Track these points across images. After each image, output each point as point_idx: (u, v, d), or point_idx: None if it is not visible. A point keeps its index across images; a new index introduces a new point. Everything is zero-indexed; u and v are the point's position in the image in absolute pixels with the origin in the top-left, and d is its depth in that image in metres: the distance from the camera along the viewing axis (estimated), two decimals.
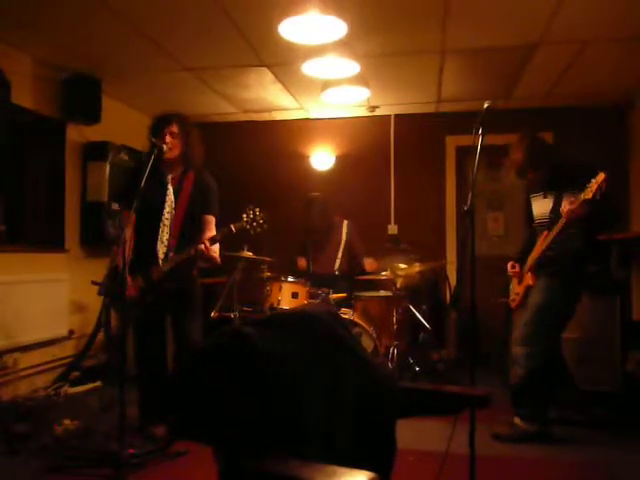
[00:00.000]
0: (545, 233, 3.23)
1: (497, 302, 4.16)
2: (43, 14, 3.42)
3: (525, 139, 3.31)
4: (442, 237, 5.60)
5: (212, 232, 3.14)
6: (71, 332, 4.40)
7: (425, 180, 5.66)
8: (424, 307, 4.71)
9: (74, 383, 4.18)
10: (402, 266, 4.31)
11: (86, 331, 4.44)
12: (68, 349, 4.45)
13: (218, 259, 3.17)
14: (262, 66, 4.34)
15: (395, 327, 4.22)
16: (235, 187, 4.95)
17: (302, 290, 4.31)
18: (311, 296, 4.32)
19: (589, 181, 2.81)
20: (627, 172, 5.14)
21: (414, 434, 2.87)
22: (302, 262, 4.91)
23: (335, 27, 3.47)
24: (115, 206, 4.54)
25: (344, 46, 3.85)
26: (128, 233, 2.94)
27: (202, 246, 2.96)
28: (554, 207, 3.20)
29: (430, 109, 5.54)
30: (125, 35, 3.71)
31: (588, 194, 2.81)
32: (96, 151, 4.69)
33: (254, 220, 3.00)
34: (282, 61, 4.21)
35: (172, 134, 3.07)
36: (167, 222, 3.11)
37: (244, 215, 3.01)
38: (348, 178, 5.73)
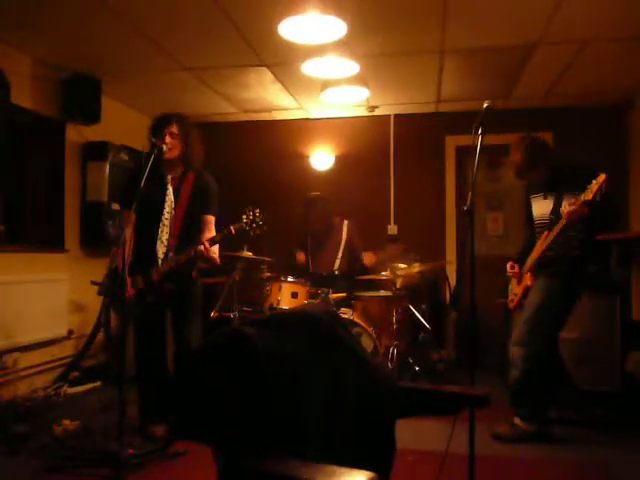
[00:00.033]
0: (545, 234, 3.23)
1: (496, 302, 4.17)
2: (43, 14, 3.42)
3: (524, 140, 3.32)
4: (442, 237, 5.60)
5: (212, 232, 3.14)
6: (70, 332, 4.40)
7: (425, 180, 5.66)
8: (424, 307, 4.71)
9: (73, 383, 4.18)
10: (402, 266, 4.31)
11: (85, 331, 4.44)
12: (68, 349, 4.45)
13: (218, 260, 3.17)
14: (262, 66, 4.35)
15: (395, 327, 4.22)
16: (235, 187, 4.95)
17: (302, 290, 4.31)
18: (311, 296, 4.32)
19: (589, 182, 2.81)
20: (627, 172, 5.15)
21: (414, 434, 2.87)
22: (301, 256, 4.92)
23: (335, 27, 3.47)
24: (115, 206, 4.54)
25: (344, 46, 3.85)
26: (128, 233, 2.94)
27: (201, 247, 2.96)
28: (554, 208, 3.20)
29: (430, 109, 5.54)
30: (125, 35, 3.71)
31: (588, 195, 2.81)
32: (96, 151, 4.69)
33: (253, 221, 3.00)
34: (282, 61, 4.21)
35: (172, 134, 3.07)
36: (167, 222, 3.11)
37: (243, 216, 3.01)
38: (348, 178, 5.73)
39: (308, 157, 5.87)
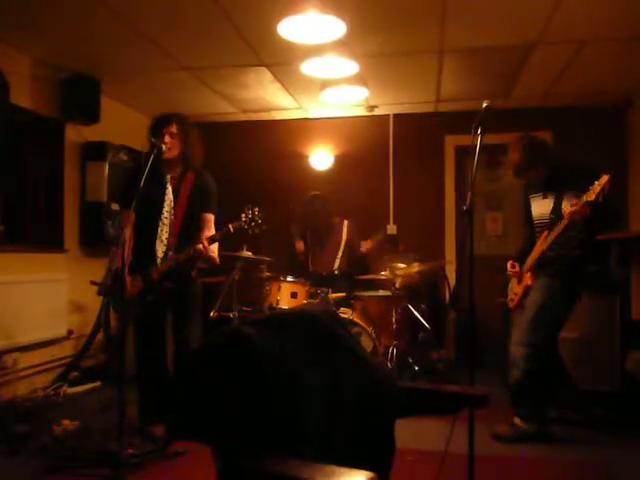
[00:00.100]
0: (545, 233, 3.22)
1: (496, 302, 4.16)
2: (42, 14, 3.42)
3: (522, 139, 3.32)
4: (441, 237, 5.60)
5: (211, 231, 3.15)
6: (70, 332, 4.40)
7: (424, 180, 5.65)
8: (423, 307, 4.71)
9: (73, 383, 4.18)
10: (401, 266, 4.32)
11: (85, 331, 4.43)
12: (67, 349, 4.45)
13: (217, 259, 3.17)
14: (261, 66, 4.34)
15: (394, 327, 4.22)
16: (234, 187, 4.94)
17: (301, 290, 4.32)
18: (310, 296, 4.32)
19: (590, 182, 2.80)
20: (626, 172, 5.14)
21: (413, 434, 2.87)
22: (300, 245, 4.93)
23: (334, 27, 3.47)
24: (114, 206, 4.54)
25: (343, 46, 3.85)
26: (128, 233, 2.94)
27: (200, 246, 2.96)
28: (555, 207, 3.20)
29: (429, 109, 5.54)
30: (124, 35, 3.71)
31: (591, 196, 2.79)
32: (95, 151, 4.69)
33: (252, 220, 3.00)
34: (281, 61, 4.21)
35: (171, 134, 3.08)
36: (166, 221, 3.12)
37: (243, 215, 3.01)
38: (347, 178, 5.73)
39: (307, 157, 5.87)
